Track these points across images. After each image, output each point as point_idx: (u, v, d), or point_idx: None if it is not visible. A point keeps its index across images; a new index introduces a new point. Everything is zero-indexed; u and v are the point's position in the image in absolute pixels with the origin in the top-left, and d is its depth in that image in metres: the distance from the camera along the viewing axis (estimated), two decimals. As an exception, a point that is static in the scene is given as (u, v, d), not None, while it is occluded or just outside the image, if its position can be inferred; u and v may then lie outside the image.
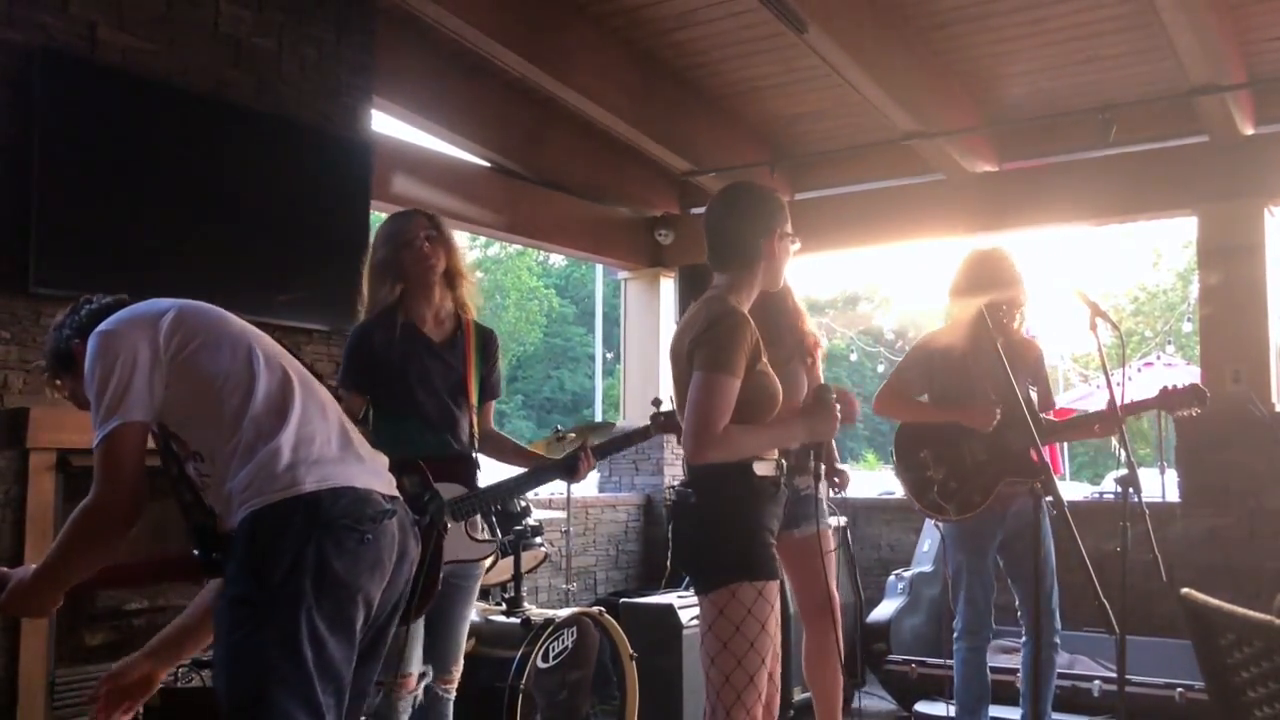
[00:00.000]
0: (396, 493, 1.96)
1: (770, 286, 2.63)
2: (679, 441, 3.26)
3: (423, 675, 2.95)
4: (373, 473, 1.93)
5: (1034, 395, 3.69)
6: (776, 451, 2.53)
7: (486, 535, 3.01)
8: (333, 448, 1.89)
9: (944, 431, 3.69)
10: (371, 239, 3.11)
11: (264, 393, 1.87)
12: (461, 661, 3.07)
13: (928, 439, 3.74)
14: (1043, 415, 3.73)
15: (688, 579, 2.70)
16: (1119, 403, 3.12)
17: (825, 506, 3.66)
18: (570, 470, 3.09)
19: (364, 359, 2.92)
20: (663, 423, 3.24)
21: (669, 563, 2.75)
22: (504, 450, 3.23)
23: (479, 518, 2.96)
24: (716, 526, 2.45)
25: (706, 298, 2.54)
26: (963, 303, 3.55)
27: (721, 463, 2.40)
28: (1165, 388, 3.55)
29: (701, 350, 2.39)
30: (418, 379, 2.93)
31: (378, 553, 1.85)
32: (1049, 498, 2.86)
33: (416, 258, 2.99)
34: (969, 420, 3.60)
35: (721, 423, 2.34)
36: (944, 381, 3.71)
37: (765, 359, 2.49)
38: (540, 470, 3.12)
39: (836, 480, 3.81)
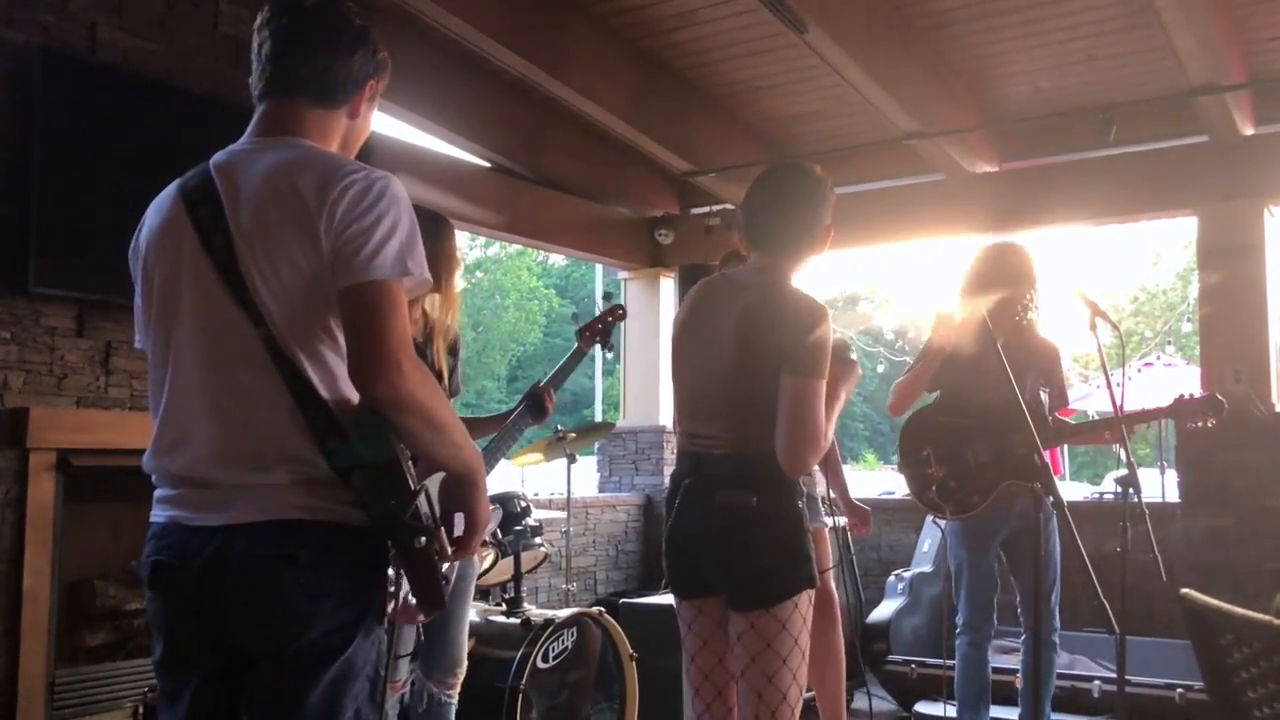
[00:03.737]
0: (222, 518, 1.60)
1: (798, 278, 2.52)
2: (604, 348, 3.22)
3: (410, 676, 2.97)
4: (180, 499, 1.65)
5: (1045, 397, 3.67)
6: None
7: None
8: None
9: (948, 431, 3.68)
10: None
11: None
12: (465, 664, 3.07)
13: (931, 437, 3.73)
14: (1054, 415, 3.73)
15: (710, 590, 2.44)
16: (1120, 405, 3.11)
17: (820, 505, 3.67)
18: (538, 411, 3.12)
19: None
20: (588, 336, 3.25)
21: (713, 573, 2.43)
22: (473, 429, 3.23)
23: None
24: (785, 533, 2.33)
25: (769, 282, 2.39)
26: (975, 298, 3.53)
27: (778, 464, 2.29)
28: (1180, 396, 3.53)
29: (801, 354, 2.26)
30: None
31: (157, 602, 1.67)
32: (1050, 498, 2.85)
33: (452, 269, 2.94)
34: (944, 339, 3.56)
35: (823, 430, 2.27)
36: (955, 380, 3.70)
37: None
38: (510, 427, 3.11)
39: (856, 521, 3.80)
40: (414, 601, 2.68)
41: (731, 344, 2.35)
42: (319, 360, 1.59)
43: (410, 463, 1.60)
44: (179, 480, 1.65)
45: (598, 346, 3.30)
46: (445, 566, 1.65)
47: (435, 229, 2.94)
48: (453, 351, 3.12)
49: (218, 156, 1.70)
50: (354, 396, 1.59)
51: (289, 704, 1.58)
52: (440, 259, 2.89)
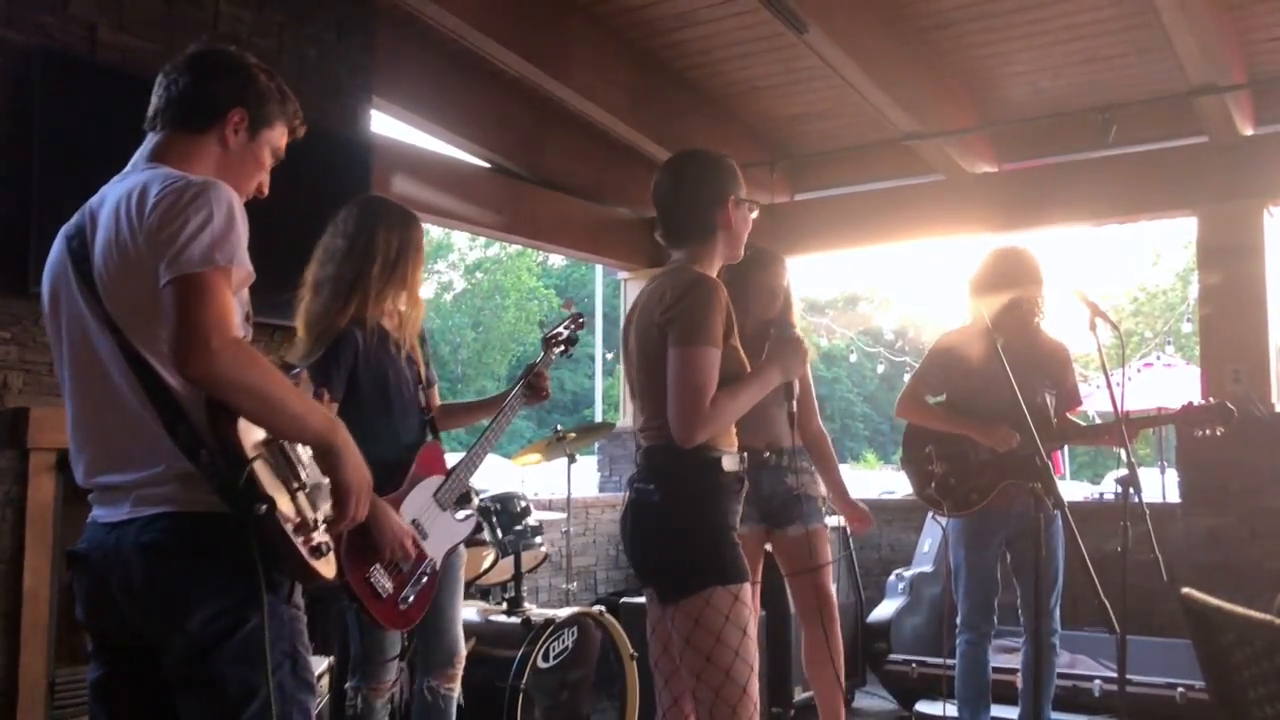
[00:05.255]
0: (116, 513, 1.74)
1: (730, 259, 2.49)
2: (566, 350, 3.25)
3: (397, 678, 2.98)
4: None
5: (1050, 399, 3.66)
6: (737, 445, 2.42)
7: (465, 513, 3.03)
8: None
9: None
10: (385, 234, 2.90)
11: None
12: (463, 656, 3.05)
13: (935, 435, 3.75)
14: (1062, 416, 3.73)
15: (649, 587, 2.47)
16: (1120, 406, 3.11)
17: (820, 506, 3.67)
18: (536, 391, 3.09)
19: (350, 359, 2.83)
20: (552, 342, 3.25)
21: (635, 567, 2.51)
22: (462, 414, 3.27)
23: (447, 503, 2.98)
24: (685, 527, 2.29)
25: (671, 269, 2.42)
26: (984, 300, 3.54)
27: (690, 457, 2.27)
28: (1189, 403, 3.53)
29: (678, 323, 2.25)
30: (394, 374, 2.90)
31: (80, 588, 1.81)
32: (1050, 498, 2.85)
33: (418, 264, 2.95)
34: (986, 439, 3.59)
35: (710, 397, 2.22)
36: (960, 382, 3.71)
37: (736, 332, 2.37)
38: (506, 408, 3.07)
39: (855, 519, 3.79)
40: (403, 607, 2.73)
41: (634, 335, 2.42)
42: (166, 360, 1.70)
43: (243, 438, 1.68)
44: (88, 485, 1.81)
45: (559, 352, 3.29)
46: (318, 540, 1.74)
47: (404, 223, 2.94)
48: (423, 344, 3.11)
49: (94, 197, 1.84)
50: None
51: (204, 690, 1.69)
52: (410, 252, 2.91)
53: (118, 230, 1.71)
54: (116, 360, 1.72)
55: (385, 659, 2.91)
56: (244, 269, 1.71)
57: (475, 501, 3.25)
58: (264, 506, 1.66)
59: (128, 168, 1.87)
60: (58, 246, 1.84)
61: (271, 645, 1.69)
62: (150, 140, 1.87)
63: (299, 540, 1.71)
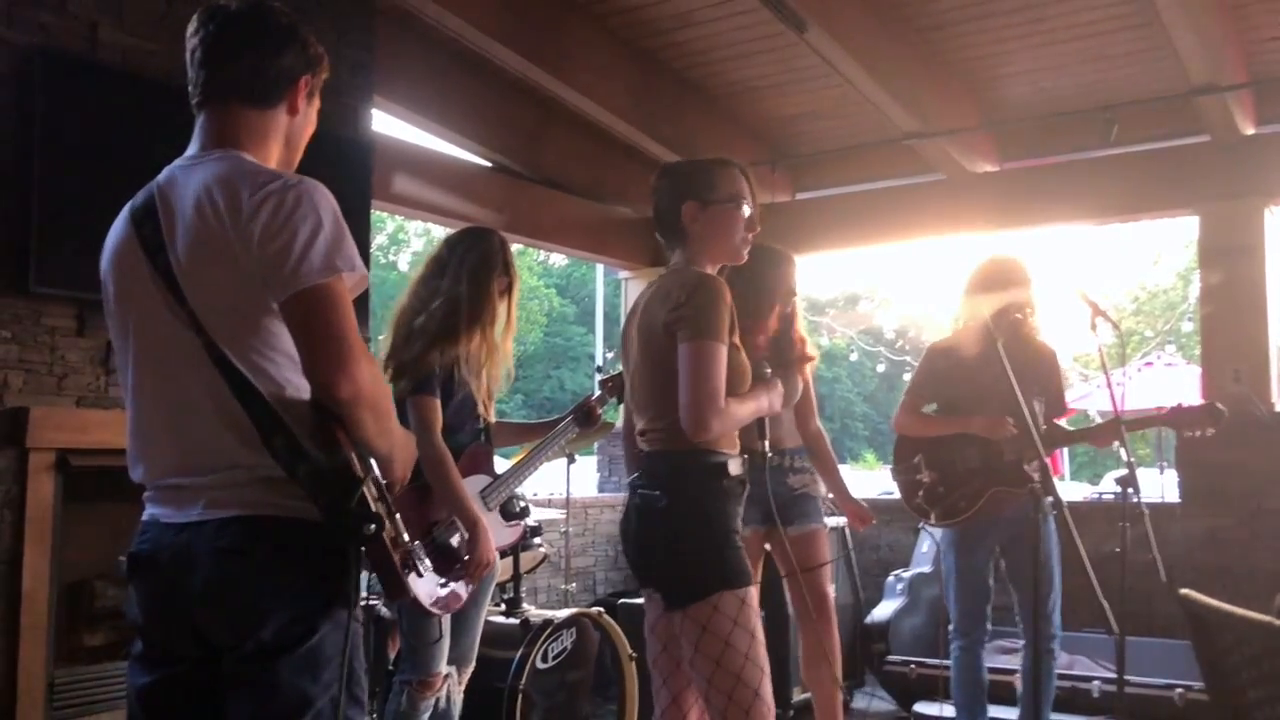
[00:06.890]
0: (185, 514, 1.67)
1: (726, 259, 2.46)
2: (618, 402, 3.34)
3: (446, 676, 2.99)
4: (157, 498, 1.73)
5: (1039, 405, 3.65)
6: (740, 448, 2.41)
7: (514, 522, 3.16)
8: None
9: (942, 437, 3.68)
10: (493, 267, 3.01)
11: None
12: (473, 662, 3.11)
13: (924, 443, 3.74)
14: (1051, 422, 3.72)
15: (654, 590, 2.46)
16: (1119, 412, 3.11)
17: (820, 506, 3.67)
18: (588, 418, 3.32)
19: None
20: (610, 387, 3.38)
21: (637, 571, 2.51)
22: (514, 434, 3.41)
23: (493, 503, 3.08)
24: (691, 532, 2.29)
25: (672, 269, 2.43)
26: (975, 305, 3.54)
27: (695, 461, 2.28)
28: (1179, 405, 3.53)
29: (688, 320, 2.24)
30: (457, 375, 2.98)
31: (136, 594, 1.74)
32: (1049, 498, 2.85)
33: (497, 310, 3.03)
34: (981, 430, 3.57)
35: (724, 392, 2.22)
36: (953, 389, 3.70)
37: (738, 332, 2.36)
38: (559, 432, 3.26)
39: (855, 517, 3.78)
40: (441, 592, 2.73)
41: (636, 336, 2.41)
42: (258, 366, 1.64)
43: (354, 453, 1.62)
44: (152, 485, 1.73)
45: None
46: (405, 554, 1.68)
47: (505, 270, 3.03)
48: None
49: (162, 175, 1.75)
50: (298, 397, 1.63)
51: (260, 694, 1.62)
52: (495, 301, 2.98)
53: (204, 227, 1.61)
54: (199, 361, 1.63)
55: (429, 643, 2.92)
56: (358, 273, 1.64)
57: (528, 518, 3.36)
58: (373, 526, 1.59)
59: (192, 149, 1.76)
60: (123, 227, 1.74)
61: (331, 659, 1.64)
62: (210, 117, 1.75)
63: (396, 556, 1.66)
